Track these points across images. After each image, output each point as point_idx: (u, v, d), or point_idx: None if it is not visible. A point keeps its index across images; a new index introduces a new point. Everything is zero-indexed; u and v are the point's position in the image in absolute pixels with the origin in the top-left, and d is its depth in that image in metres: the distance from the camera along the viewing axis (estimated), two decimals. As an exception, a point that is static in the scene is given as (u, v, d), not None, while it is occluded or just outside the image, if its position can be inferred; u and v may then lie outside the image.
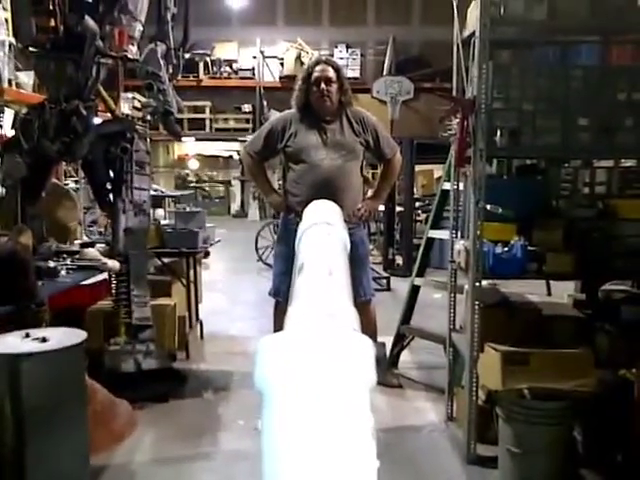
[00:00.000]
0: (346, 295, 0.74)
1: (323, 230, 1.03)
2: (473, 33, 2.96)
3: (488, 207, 3.01)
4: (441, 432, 3.42)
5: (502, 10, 2.91)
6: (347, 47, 14.24)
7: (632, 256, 3.08)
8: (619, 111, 3.03)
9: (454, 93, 3.46)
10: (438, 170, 9.33)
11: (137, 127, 3.95)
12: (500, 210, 3.09)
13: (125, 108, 8.71)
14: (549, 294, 4.61)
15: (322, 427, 0.44)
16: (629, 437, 2.77)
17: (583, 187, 3.40)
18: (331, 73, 3.66)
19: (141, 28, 3.78)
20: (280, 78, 14.15)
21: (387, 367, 4.21)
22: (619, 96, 3.02)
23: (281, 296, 3.71)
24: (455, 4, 3.23)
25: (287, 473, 0.42)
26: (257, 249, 8.51)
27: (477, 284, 2.99)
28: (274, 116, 4.50)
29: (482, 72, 2.91)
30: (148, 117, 4.99)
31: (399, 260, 8.51)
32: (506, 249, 3.03)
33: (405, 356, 4.53)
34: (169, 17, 3.88)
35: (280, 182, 4.11)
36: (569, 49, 3.21)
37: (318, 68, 3.68)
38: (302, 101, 3.74)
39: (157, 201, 8.13)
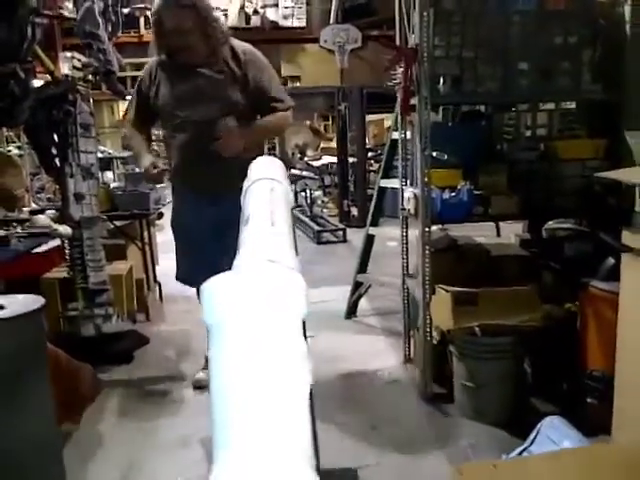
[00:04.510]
0: (286, 242, 0.82)
1: (267, 185, 1.09)
2: (414, -21, 2.97)
3: (434, 154, 3.08)
4: (400, 373, 3.56)
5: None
6: (292, -5, 13.96)
7: (571, 195, 3.21)
8: (556, 55, 3.11)
9: (397, 41, 3.49)
10: (389, 119, 9.36)
11: (79, 88, 3.86)
12: (446, 156, 3.17)
13: (64, 68, 8.43)
14: (498, 235, 4.76)
15: (262, 350, 0.56)
16: (574, 366, 2.94)
17: (525, 130, 3.50)
18: (184, 20, 2.85)
19: (76, -16, 3.67)
20: (225, 31, 13.79)
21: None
22: (556, 40, 3.10)
23: (193, 282, 2.96)
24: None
25: (234, 388, 0.51)
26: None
27: (427, 229, 3.09)
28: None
29: (424, 19, 2.94)
30: (90, 77, 4.87)
31: (354, 211, 8.59)
32: (453, 194, 3.12)
33: (363, 304, 4.66)
34: (105, -28, 3.76)
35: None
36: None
37: (166, 14, 2.88)
38: (161, 49, 3.07)
39: (105, 163, 7.98)
